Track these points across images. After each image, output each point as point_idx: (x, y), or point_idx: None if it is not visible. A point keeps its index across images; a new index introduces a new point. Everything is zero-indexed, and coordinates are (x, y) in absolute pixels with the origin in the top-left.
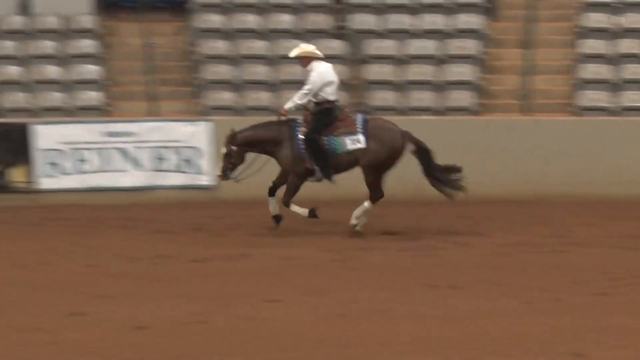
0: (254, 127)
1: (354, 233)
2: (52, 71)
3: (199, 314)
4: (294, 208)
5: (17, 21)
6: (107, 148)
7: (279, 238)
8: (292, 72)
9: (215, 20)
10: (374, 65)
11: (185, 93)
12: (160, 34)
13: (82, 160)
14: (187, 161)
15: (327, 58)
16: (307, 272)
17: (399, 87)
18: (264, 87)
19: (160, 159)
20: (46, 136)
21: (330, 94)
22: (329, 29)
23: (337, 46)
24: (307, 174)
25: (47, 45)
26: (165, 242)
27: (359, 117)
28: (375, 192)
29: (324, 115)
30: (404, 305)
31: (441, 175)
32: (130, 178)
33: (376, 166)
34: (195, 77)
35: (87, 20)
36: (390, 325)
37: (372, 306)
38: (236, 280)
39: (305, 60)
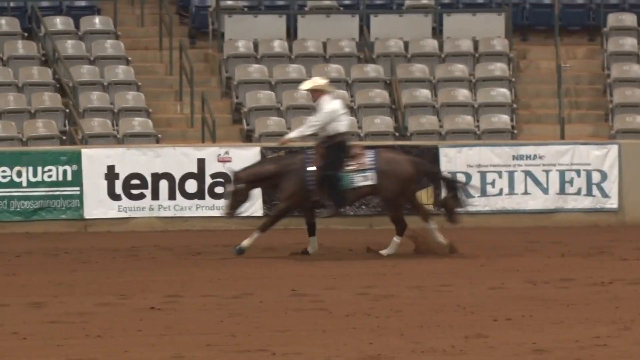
0: (261, 162)
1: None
2: (462, 94)
3: (598, 338)
4: (251, 240)
5: (429, 44)
6: (514, 171)
7: None
8: None
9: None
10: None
11: (595, 116)
12: (572, 57)
13: (489, 183)
14: (594, 184)
15: None
16: None
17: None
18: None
19: (567, 182)
20: (453, 159)
21: (341, 126)
22: None
23: None
24: (305, 207)
25: (458, 69)
26: (569, 265)
27: (369, 152)
28: (401, 225)
29: (339, 150)
30: None
31: (457, 199)
32: (536, 201)
33: (393, 200)
34: (607, 100)
35: (499, 44)
36: None
37: None
38: (638, 304)
39: (316, 93)
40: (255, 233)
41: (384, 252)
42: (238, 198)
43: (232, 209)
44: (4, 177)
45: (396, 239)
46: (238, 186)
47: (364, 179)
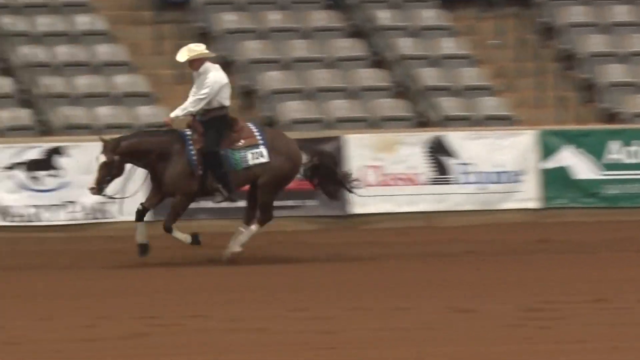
0: (139, 134)
1: (229, 260)
2: None
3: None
4: (177, 234)
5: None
6: None
7: None
8: None
9: None
10: None
11: None
12: None
13: None
14: None
15: None
16: None
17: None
18: None
19: None
20: None
21: (225, 98)
22: None
23: None
24: (196, 195)
25: None
26: None
27: (255, 127)
28: (267, 213)
29: (219, 125)
30: None
31: (340, 182)
32: None
33: (276, 184)
34: None
35: None
36: None
37: None
38: None
39: (197, 62)
40: (170, 234)
41: (233, 248)
42: (111, 172)
43: (100, 184)
44: None
45: (254, 227)
46: (113, 157)
47: (256, 156)
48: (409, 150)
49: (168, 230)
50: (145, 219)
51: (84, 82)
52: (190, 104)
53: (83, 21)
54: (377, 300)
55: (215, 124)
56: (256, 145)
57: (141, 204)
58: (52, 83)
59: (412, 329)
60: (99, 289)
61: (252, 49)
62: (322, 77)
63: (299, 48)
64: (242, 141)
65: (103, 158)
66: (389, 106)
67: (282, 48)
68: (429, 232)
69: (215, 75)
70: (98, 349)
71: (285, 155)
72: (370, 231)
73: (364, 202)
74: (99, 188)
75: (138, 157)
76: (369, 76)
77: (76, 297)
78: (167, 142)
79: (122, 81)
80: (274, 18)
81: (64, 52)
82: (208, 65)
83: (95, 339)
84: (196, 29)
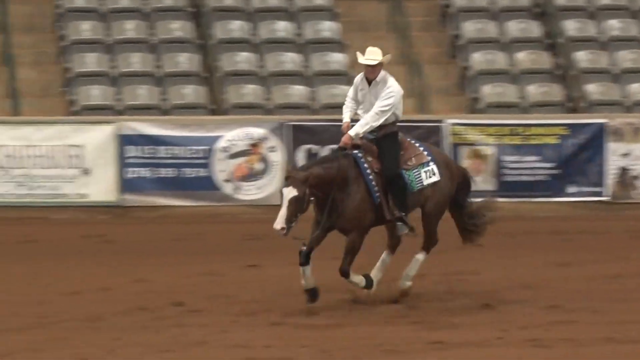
0: (317, 163)
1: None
2: None
3: None
4: (354, 278)
5: None
6: None
7: None
8: None
9: None
10: None
11: None
12: None
13: None
14: None
15: None
16: None
17: None
18: None
19: None
20: None
21: (400, 110)
22: None
23: None
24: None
25: None
26: None
27: (416, 142)
28: (433, 239)
29: (394, 142)
30: None
31: (476, 215)
32: None
33: (444, 203)
34: None
35: None
36: None
37: None
38: None
39: (378, 68)
40: (348, 282)
41: (407, 283)
42: (302, 208)
43: (290, 223)
44: None
45: (420, 256)
46: (305, 190)
47: (429, 175)
48: None
49: (346, 274)
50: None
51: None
52: (371, 118)
53: None
54: None
55: (390, 141)
56: (427, 163)
57: (304, 244)
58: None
59: None
60: None
61: None
62: None
63: None
64: (413, 159)
65: (294, 192)
66: None
67: None
68: None
69: (395, 84)
70: None
71: (451, 174)
72: None
73: None
74: (288, 227)
75: (323, 189)
76: None
77: None
78: (345, 168)
79: None
80: None
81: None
82: (385, 73)
83: None
84: None
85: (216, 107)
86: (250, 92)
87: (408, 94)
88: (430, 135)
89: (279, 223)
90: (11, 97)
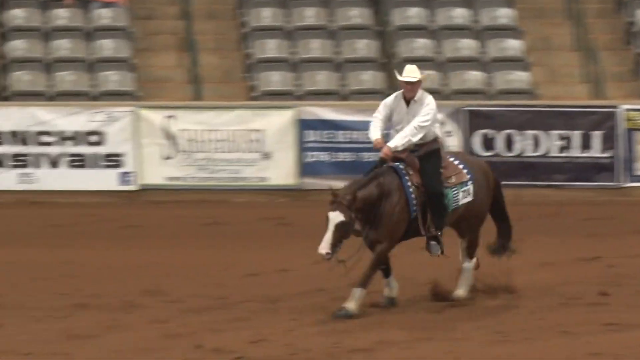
0: (362, 184)
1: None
2: None
3: None
4: (361, 294)
5: None
6: None
7: None
8: None
9: None
10: None
11: None
12: None
13: None
14: None
15: None
16: None
17: None
18: None
19: None
20: None
21: (437, 129)
22: None
23: None
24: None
25: None
26: None
27: (456, 159)
28: (475, 247)
29: (437, 160)
30: None
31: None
32: None
33: (481, 220)
34: None
35: None
36: None
37: None
38: None
39: (417, 85)
40: (357, 291)
41: (460, 292)
42: (348, 232)
43: (335, 247)
44: None
45: (468, 264)
46: (351, 215)
47: (466, 195)
48: None
49: (364, 285)
50: None
51: None
52: (410, 132)
53: None
54: None
55: (433, 158)
56: (466, 183)
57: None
58: None
59: None
60: None
61: None
62: None
63: None
64: (453, 178)
65: (340, 217)
66: None
67: None
68: None
69: (433, 102)
70: None
71: (487, 188)
72: None
73: None
74: (333, 252)
75: (369, 209)
76: None
77: None
78: (388, 183)
79: None
80: None
81: None
82: (421, 91)
83: None
84: None
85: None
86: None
87: (583, 79)
88: (604, 120)
89: (324, 248)
90: (193, 82)
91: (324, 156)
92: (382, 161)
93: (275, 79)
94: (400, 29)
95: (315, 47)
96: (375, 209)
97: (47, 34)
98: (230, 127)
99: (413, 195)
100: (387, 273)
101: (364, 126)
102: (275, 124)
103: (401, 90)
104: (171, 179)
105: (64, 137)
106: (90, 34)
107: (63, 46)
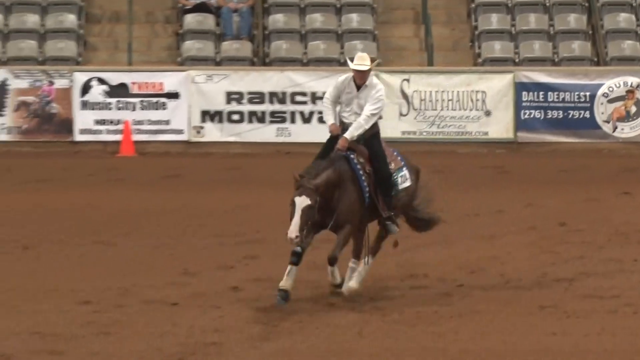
0: (322, 169)
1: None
2: None
3: None
4: (336, 271)
5: None
6: None
7: None
8: None
9: None
10: None
11: None
12: None
13: None
14: None
15: None
16: None
17: None
18: None
19: None
20: None
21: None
22: None
23: None
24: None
25: None
26: None
27: (388, 146)
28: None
29: (379, 144)
30: None
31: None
32: None
33: (409, 208)
34: None
35: None
36: None
37: None
38: None
39: (367, 73)
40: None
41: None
42: (314, 216)
43: (302, 231)
44: None
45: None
46: (317, 198)
47: (404, 180)
48: None
49: (333, 262)
50: None
51: None
52: (365, 121)
53: None
54: None
55: (376, 143)
56: (401, 168)
57: (298, 245)
58: None
59: None
60: None
61: None
62: None
63: None
64: (392, 164)
65: (307, 201)
66: None
67: None
68: None
69: (382, 87)
70: None
71: (415, 176)
72: None
73: None
74: (301, 235)
75: (328, 193)
76: None
77: None
78: (344, 171)
79: None
80: None
81: None
82: (372, 76)
83: None
84: None
85: (598, 59)
86: (628, 47)
87: None
88: None
89: (293, 232)
90: (426, 50)
91: (537, 114)
92: (332, 139)
93: (497, 48)
94: (605, 5)
95: (532, 20)
96: (334, 195)
97: (303, 9)
98: (457, 89)
99: (365, 184)
100: (298, 261)
101: (573, 88)
102: (496, 86)
103: (351, 74)
104: (406, 132)
105: (315, 98)
106: (339, 9)
107: (316, 19)
